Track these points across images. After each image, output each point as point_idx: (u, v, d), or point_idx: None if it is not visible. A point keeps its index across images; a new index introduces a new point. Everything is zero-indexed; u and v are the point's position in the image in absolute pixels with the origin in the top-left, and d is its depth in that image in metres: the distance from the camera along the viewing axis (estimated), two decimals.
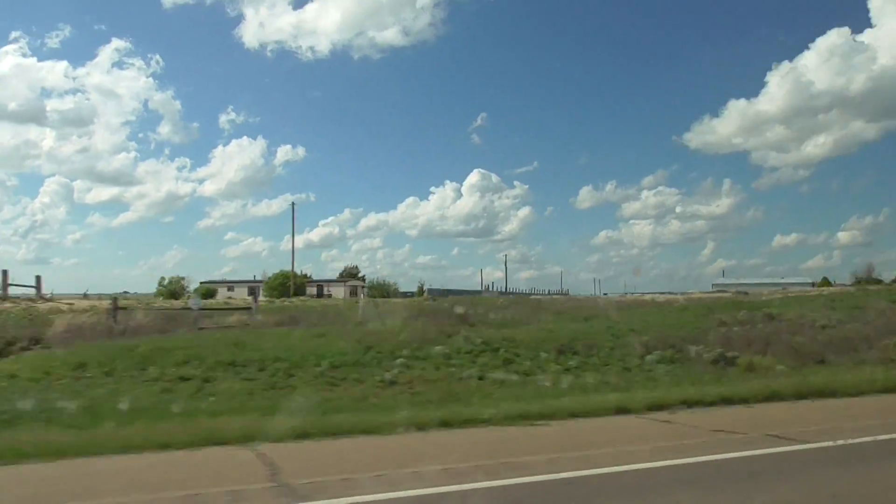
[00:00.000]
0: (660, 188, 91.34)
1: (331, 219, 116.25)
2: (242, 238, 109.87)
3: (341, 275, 77.79)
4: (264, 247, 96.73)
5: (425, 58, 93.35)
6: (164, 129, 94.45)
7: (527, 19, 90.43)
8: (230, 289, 66.83)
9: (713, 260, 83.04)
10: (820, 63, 74.65)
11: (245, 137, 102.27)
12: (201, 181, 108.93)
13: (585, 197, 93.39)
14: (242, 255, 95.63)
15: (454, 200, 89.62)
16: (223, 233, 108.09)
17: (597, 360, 14.93)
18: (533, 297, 55.17)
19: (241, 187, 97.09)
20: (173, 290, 58.49)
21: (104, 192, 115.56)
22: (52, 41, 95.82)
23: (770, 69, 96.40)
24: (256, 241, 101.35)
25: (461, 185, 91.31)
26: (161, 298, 50.09)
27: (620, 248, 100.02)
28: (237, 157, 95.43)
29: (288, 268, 64.98)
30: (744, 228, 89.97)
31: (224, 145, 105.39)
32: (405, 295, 61.17)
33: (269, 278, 65.26)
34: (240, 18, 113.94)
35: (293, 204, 71.75)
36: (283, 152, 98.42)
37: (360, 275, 76.79)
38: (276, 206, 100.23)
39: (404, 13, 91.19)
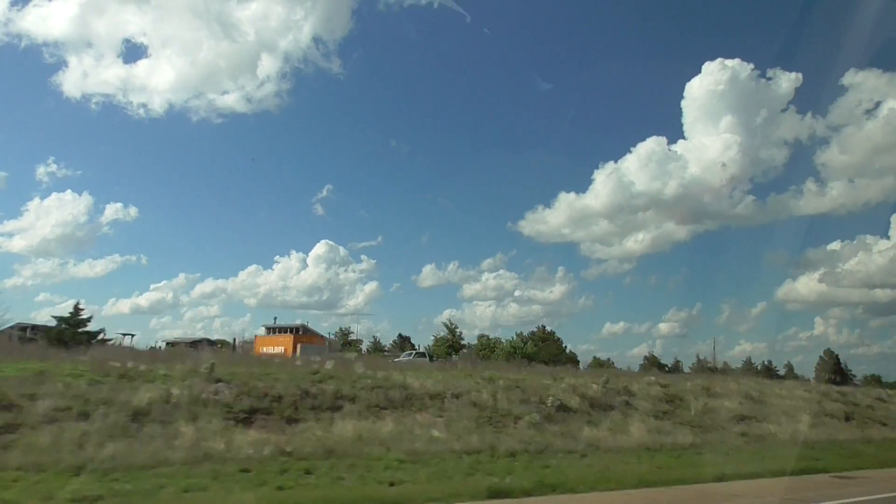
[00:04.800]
0: (500, 272, 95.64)
1: (163, 283, 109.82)
2: (58, 300, 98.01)
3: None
4: (86, 311, 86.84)
5: (269, 126, 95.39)
6: None
7: (372, 99, 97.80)
8: None
9: None
10: (640, 166, 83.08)
11: (68, 191, 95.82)
12: (10, 235, 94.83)
13: (428, 275, 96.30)
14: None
15: (299, 271, 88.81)
16: (34, 294, 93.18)
17: None
18: None
19: (59, 245, 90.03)
20: None
21: None
22: None
23: (597, 167, 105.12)
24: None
25: (307, 255, 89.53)
26: None
27: (464, 328, 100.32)
28: (56, 211, 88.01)
29: (116, 331, 54.69)
30: (576, 315, 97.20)
31: (42, 198, 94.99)
32: None
33: None
34: (59, 65, 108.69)
35: None
36: (113, 210, 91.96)
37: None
38: (100, 266, 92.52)
39: (244, 80, 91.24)
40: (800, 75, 74.77)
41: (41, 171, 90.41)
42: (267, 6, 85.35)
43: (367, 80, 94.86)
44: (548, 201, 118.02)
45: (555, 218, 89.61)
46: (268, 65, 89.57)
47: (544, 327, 66.52)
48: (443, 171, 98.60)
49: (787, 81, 77.68)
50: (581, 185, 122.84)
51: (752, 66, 76.42)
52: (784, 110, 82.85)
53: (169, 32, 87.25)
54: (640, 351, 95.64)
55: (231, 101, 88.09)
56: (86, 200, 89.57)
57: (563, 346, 64.55)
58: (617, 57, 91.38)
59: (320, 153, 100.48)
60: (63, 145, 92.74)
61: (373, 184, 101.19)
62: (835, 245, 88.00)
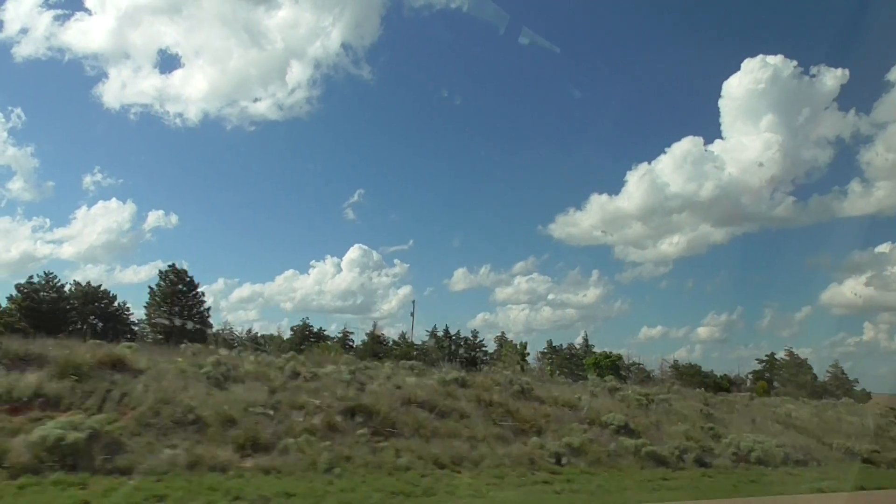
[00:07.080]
0: (533, 275, 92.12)
1: (203, 288, 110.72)
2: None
3: None
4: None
5: (300, 132, 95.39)
6: (15, 186, 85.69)
7: (401, 103, 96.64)
8: None
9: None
10: (675, 167, 79.52)
11: (113, 199, 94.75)
12: (60, 243, 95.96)
13: (460, 279, 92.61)
14: None
15: (334, 275, 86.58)
16: None
17: None
18: None
19: (105, 251, 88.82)
20: None
21: None
22: None
23: (630, 168, 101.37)
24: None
25: (341, 260, 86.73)
26: None
27: (497, 332, 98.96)
28: (102, 219, 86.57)
29: None
30: (612, 319, 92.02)
31: (88, 206, 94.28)
32: None
33: None
34: (100, 77, 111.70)
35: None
36: (155, 217, 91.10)
37: None
38: (144, 272, 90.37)
39: (274, 87, 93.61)
40: (846, 72, 71.68)
41: (87, 180, 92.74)
42: (296, 14, 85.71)
43: (396, 85, 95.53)
44: (579, 203, 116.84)
45: (586, 220, 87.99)
46: (297, 72, 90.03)
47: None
48: (472, 174, 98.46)
49: (831, 79, 74.79)
50: (613, 186, 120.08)
51: (795, 62, 74.20)
52: (827, 108, 79.47)
53: (200, 42, 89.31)
54: (679, 356, 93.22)
55: (263, 108, 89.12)
56: (129, 208, 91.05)
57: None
58: (651, 54, 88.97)
59: (351, 158, 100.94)
60: (106, 155, 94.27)
61: (403, 187, 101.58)
62: (883, 247, 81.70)
